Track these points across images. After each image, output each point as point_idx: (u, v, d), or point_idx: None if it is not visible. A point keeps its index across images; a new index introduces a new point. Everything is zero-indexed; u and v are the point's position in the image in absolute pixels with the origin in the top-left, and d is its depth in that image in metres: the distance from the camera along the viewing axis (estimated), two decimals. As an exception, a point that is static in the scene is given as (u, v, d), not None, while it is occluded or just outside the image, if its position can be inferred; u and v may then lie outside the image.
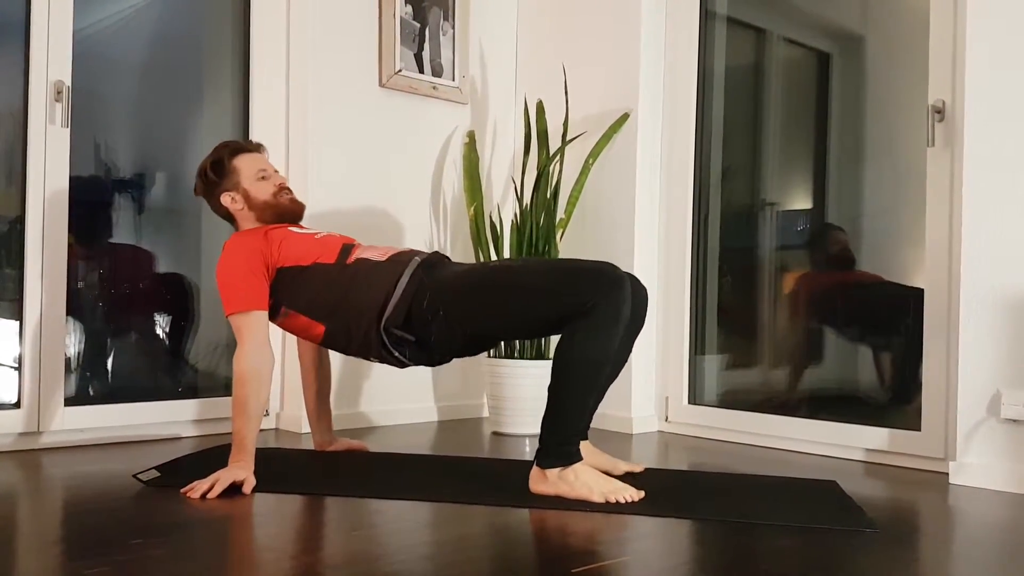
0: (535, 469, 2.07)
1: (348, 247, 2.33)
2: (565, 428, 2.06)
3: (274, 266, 2.27)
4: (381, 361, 2.28)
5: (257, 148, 2.50)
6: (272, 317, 2.32)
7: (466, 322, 2.15)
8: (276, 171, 2.48)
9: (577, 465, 2.04)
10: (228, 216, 2.46)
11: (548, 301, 2.06)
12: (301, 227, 2.46)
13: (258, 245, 2.28)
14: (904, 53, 2.81)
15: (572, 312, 2.01)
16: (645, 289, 2.16)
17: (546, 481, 2.04)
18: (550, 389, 2.07)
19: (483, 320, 2.16)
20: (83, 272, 2.85)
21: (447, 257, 2.35)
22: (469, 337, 2.19)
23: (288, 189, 2.46)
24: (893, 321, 2.86)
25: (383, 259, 2.26)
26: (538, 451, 2.08)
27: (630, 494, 2.00)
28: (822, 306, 3.12)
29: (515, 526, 1.87)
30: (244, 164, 2.42)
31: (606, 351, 2.02)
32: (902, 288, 2.79)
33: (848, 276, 3.04)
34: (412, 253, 2.29)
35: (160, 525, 1.79)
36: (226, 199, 2.42)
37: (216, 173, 2.41)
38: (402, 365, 2.27)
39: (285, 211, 2.42)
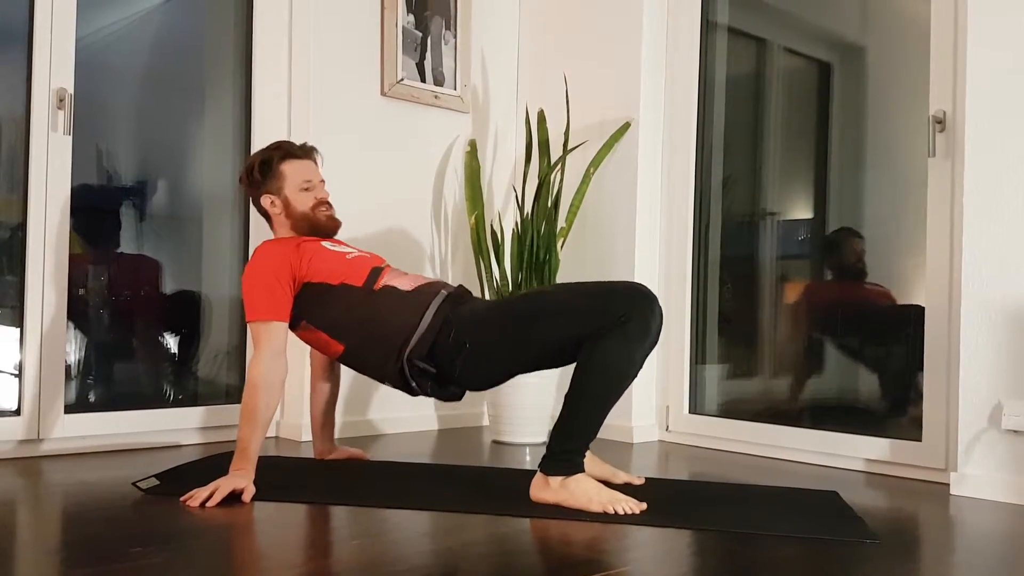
0: (539, 475, 2.07)
1: (377, 271, 2.32)
2: (575, 437, 2.07)
3: (301, 280, 2.27)
4: (394, 387, 2.28)
5: (308, 154, 2.47)
6: (293, 328, 2.32)
7: (499, 353, 2.15)
8: (322, 181, 2.47)
9: (579, 475, 2.05)
10: (266, 215, 2.47)
11: (583, 318, 2.05)
12: (335, 242, 2.45)
13: (288, 256, 2.28)
14: (905, 63, 2.82)
15: (605, 325, 2.01)
16: (662, 310, 2.16)
17: (548, 489, 2.04)
18: (568, 397, 2.07)
19: (516, 348, 2.15)
20: (84, 279, 2.85)
21: (470, 292, 2.36)
22: (501, 369, 2.20)
23: (328, 204, 2.45)
24: (894, 331, 2.86)
25: (410, 289, 2.26)
26: (544, 457, 2.08)
27: (630, 505, 2.00)
28: (823, 316, 3.12)
29: (515, 535, 1.87)
30: (291, 170, 2.41)
31: (632, 364, 2.04)
32: (904, 308, 2.79)
33: (852, 288, 3.04)
34: (439, 285, 2.29)
35: (159, 533, 1.79)
36: (266, 201, 2.42)
37: (262, 173, 2.41)
38: (414, 394, 2.27)
39: (320, 226, 2.42)
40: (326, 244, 2.39)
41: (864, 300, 3.00)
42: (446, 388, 2.26)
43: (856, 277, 3.00)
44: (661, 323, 2.08)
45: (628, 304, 2.02)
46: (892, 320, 2.88)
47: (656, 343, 2.10)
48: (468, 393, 3.47)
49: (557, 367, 2.24)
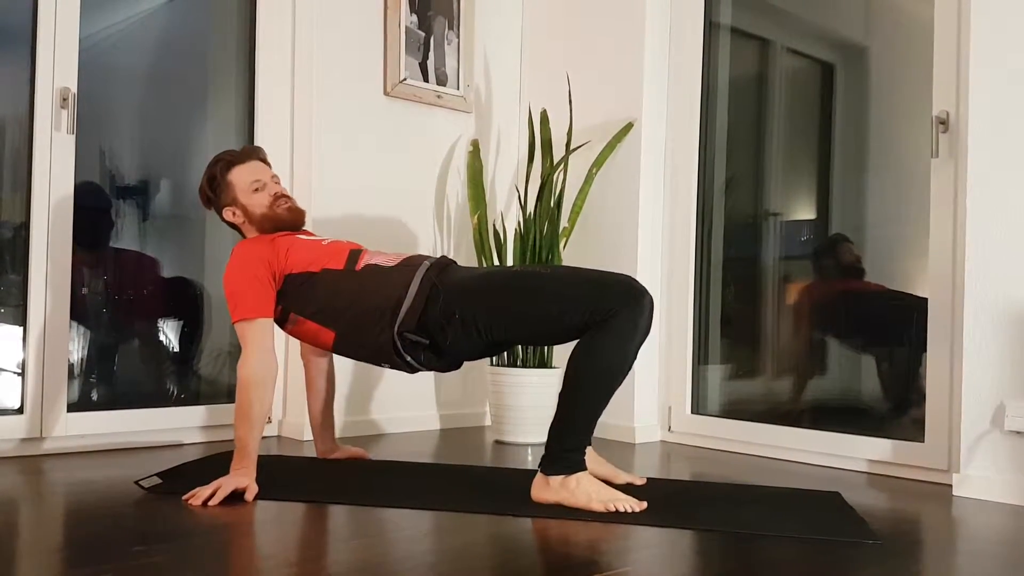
0: (539, 476, 2.07)
1: (356, 253, 2.33)
2: (573, 436, 2.07)
3: (281, 273, 2.27)
4: (392, 367, 2.27)
5: (251, 155, 2.47)
6: (282, 325, 2.32)
7: (488, 326, 2.13)
8: (274, 177, 2.46)
9: (579, 474, 2.04)
10: (235, 228, 2.47)
11: (575, 309, 2.05)
12: (308, 234, 2.46)
13: (265, 252, 2.28)
14: (908, 64, 2.82)
15: (594, 319, 2.01)
16: (653, 303, 2.16)
17: (548, 488, 2.04)
18: (561, 396, 2.07)
19: (507, 325, 2.15)
20: (87, 278, 2.85)
21: (454, 261, 2.35)
22: (488, 341, 2.17)
23: (285, 197, 2.44)
24: (896, 331, 2.85)
25: (392, 264, 2.26)
26: (543, 457, 2.08)
27: (631, 504, 2.00)
28: (825, 316, 3.11)
29: (517, 535, 1.87)
30: (238, 177, 2.41)
31: (623, 359, 2.03)
32: (905, 297, 2.79)
33: (852, 286, 3.04)
34: (421, 258, 2.29)
35: (162, 532, 1.79)
36: (227, 214, 2.43)
37: (213, 190, 2.43)
38: (413, 370, 2.26)
39: (283, 221, 2.41)
40: (300, 236, 2.40)
41: (864, 295, 2.99)
42: (442, 358, 2.23)
43: (855, 278, 3.00)
44: (651, 318, 2.07)
45: (616, 299, 2.02)
46: (895, 318, 2.87)
47: (646, 337, 2.09)
48: (469, 393, 3.51)
49: (545, 346, 2.26)
